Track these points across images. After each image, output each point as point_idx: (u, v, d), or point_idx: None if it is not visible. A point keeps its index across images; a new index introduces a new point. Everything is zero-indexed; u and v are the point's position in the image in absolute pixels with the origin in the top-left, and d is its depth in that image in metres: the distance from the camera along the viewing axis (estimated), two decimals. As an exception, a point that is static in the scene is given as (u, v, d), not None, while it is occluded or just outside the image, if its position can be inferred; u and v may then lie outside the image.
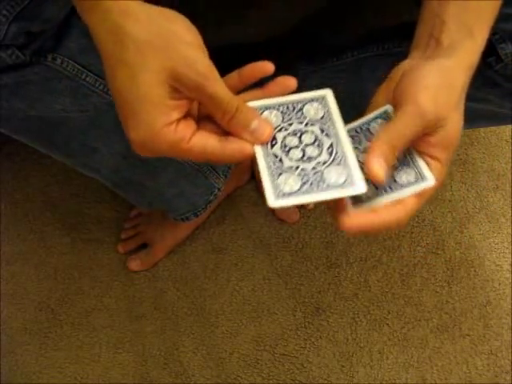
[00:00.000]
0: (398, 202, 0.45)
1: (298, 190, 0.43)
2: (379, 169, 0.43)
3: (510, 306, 0.94)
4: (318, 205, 1.03)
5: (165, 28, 0.41)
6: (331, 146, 0.45)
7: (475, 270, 0.97)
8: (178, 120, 0.42)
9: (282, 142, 0.46)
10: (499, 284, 0.96)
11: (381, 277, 0.97)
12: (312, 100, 0.48)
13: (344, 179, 0.44)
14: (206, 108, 0.44)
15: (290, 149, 0.45)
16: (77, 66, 0.57)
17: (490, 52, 0.57)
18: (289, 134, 0.46)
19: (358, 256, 0.99)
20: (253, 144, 0.44)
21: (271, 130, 0.45)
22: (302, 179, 0.44)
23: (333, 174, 0.44)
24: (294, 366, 0.92)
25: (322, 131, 0.46)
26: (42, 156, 1.03)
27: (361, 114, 0.72)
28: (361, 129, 0.49)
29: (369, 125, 0.49)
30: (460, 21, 0.46)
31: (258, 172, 0.45)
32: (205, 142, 0.43)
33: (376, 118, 0.49)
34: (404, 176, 0.46)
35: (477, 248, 0.99)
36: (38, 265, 1.01)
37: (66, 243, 1.02)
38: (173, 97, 0.42)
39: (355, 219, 0.44)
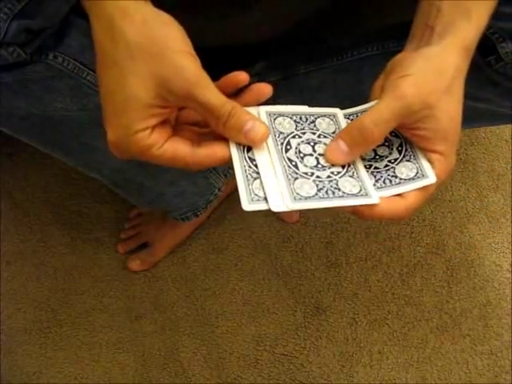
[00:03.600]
0: (399, 195, 0.45)
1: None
2: (334, 150, 0.45)
3: (510, 306, 0.94)
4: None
5: (158, 33, 0.42)
6: None
7: (475, 270, 0.97)
8: (155, 126, 0.43)
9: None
10: (499, 284, 0.96)
11: (381, 277, 0.97)
12: (324, 115, 0.49)
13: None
14: (200, 115, 0.44)
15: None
16: (78, 64, 0.57)
17: (490, 51, 0.57)
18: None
19: (358, 256, 0.99)
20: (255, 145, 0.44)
21: (266, 132, 0.44)
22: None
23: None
24: (294, 366, 0.92)
25: None
26: (42, 156, 1.04)
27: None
28: (306, 119, 0.49)
29: (315, 118, 0.49)
30: (455, 3, 0.46)
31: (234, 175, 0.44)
32: (175, 148, 0.43)
33: (324, 115, 0.49)
34: (405, 171, 0.46)
35: (477, 248, 0.99)
36: (38, 265, 1.01)
37: (66, 243, 1.02)
38: (156, 104, 0.42)
39: None
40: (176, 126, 0.46)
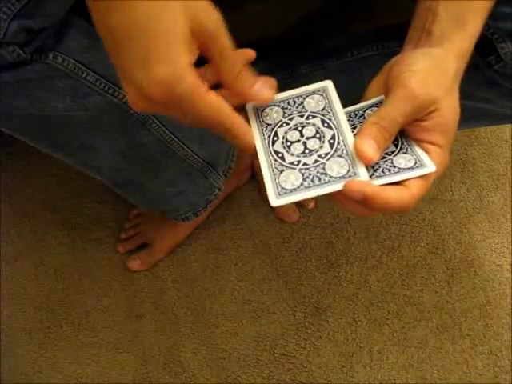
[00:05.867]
0: (401, 184, 0.44)
1: (300, 185, 0.43)
2: (368, 148, 0.43)
3: (510, 306, 0.94)
4: (319, 204, 1.03)
5: None
6: (333, 137, 0.45)
7: (475, 270, 0.97)
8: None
9: (283, 137, 0.46)
10: (499, 284, 0.96)
11: (381, 277, 0.97)
12: (313, 93, 0.48)
13: (346, 170, 0.43)
14: (213, 60, 0.43)
15: (292, 143, 0.45)
16: (78, 64, 0.57)
17: (489, 51, 0.57)
18: (290, 128, 0.46)
19: (358, 256, 0.99)
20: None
21: (273, 95, 0.45)
22: (304, 174, 0.44)
23: (334, 166, 0.44)
24: (294, 366, 0.92)
25: (323, 122, 0.46)
26: (42, 156, 1.03)
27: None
28: (355, 115, 0.49)
29: (364, 112, 0.48)
30: (451, 12, 0.47)
31: (260, 171, 0.45)
32: (222, 101, 0.42)
33: (372, 106, 0.48)
34: (403, 161, 0.45)
35: (477, 248, 0.99)
36: (37, 265, 1.01)
37: (66, 243, 1.02)
38: (191, 40, 0.41)
39: (360, 184, 0.42)
40: None
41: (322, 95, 0.47)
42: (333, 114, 0.46)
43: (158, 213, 0.99)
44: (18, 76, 0.54)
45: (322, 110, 0.47)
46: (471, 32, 0.47)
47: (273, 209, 1.02)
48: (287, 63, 0.74)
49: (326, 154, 0.44)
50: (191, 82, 0.40)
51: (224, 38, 0.42)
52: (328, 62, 0.72)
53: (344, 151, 0.44)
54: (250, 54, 0.46)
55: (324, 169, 0.44)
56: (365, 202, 0.42)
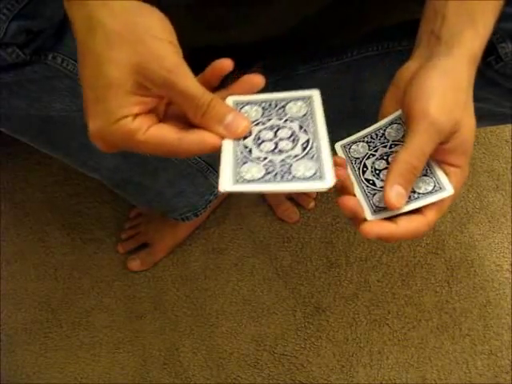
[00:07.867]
0: (419, 212, 0.45)
1: (260, 178, 0.41)
2: (396, 198, 0.43)
3: (510, 306, 0.94)
4: (319, 204, 1.03)
5: (137, 22, 0.41)
6: (307, 141, 0.44)
7: (475, 270, 0.97)
8: (138, 114, 0.41)
9: (256, 135, 0.44)
10: (499, 284, 0.96)
11: (381, 277, 0.97)
12: (297, 99, 0.46)
13: (312, 173, 0.42)
14: (177, 105, 0.43)
15: (263, 141, 0.44)
16: (77, 64, 0.57)
17: (489, 51, 0.57)
18: (265, 128, 0.45)
19: (358, 256, 0.99)
20: (224, 138, 0.43)
21: (248, 125, 0.44)
22: (267, 169, 0.42)
23: (301, 168, 0.42)
24: (294, 366, 0.92)
25: (301, 128, 0.45)
26: (42, 156, 1.04)
27: (361, 113, 0.72)
28: (376, 135, 0.49)
29: (384, 131, 0.48)
30: (460, 11, 0.46)
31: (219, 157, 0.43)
32: (162, 133, 0.42)
33: (391, 123, 0.48)
34: (422, 185, 0.46)
35: (477, 248, 0.99)
36: (37, 265, 1.01)
37: (66, 243, 1.02)
38: (137, 92, 0.41)
39: (375, 227, 0.43)
40: (164, 119, 0.44)
41: (305, 102, 0.46)
42: (312, 121, 0.45)
43: (158, 213, 0.99)
44: (18, 77, 0.54)
45: (303, 116, 0.45)
46: (481, 31, 0.47)
47: (273, 209, 1.02)
48: (285, 63, 0.74)
49: (296, 156, 0.43)
50: (124, 131, 0.41)
51: (181, 82, 0.41)
52: (328, 61, 0.72)
53: (315, 156, 0.43)
54: (225, 64, 0.44)
55: (290, 169, 0.42)
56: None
